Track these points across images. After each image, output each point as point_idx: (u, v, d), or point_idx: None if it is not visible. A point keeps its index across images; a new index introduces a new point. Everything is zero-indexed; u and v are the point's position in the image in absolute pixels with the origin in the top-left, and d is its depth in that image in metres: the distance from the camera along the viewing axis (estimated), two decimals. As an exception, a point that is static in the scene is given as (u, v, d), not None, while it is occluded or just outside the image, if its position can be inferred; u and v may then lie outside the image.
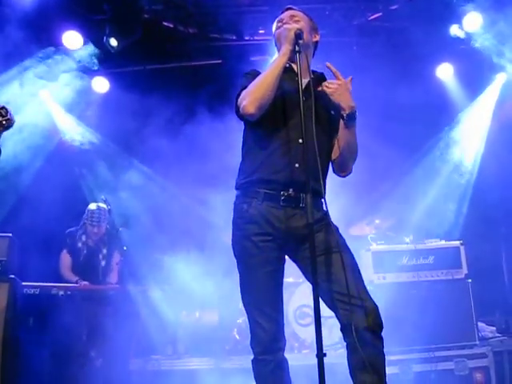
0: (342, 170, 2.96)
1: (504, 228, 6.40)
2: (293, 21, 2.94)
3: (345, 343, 2.66)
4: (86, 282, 5.34)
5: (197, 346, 5.65)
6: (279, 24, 3.00)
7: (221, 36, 7.07)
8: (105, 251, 5.80)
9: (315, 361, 2.41)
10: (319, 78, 2.97)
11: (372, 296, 2.69)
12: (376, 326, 2.58)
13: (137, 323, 5.24)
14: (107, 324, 4.96)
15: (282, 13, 3.07)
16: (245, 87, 2.80)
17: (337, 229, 2.77)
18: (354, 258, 2.73)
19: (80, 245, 5.73)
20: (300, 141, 2.71)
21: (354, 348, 2.55)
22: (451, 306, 5.12)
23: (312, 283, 2.52)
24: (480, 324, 5.42)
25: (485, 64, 6.77)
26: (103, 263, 5.77)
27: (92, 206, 5.86)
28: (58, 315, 4.73)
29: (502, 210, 6.35)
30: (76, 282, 5.35)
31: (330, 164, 2.97)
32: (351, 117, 2.76)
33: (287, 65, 2.87)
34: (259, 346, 2.75)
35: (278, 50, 2.91)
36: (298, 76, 2.71)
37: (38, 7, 5.77)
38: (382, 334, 2.61)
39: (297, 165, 2.73)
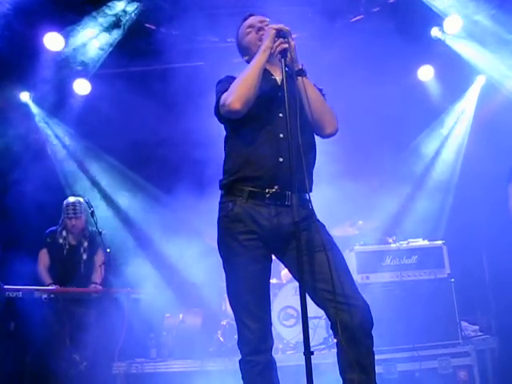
0: (322, 127, 2.86)
1: (485, 227, 6.46)
2: (265, 24, 2.99)
3: (330, 343, 2.67)
4: (56, 287, 5.28)
5: (180, 349, 5.63)
6: (249, 30, 3.06)
7: (203, 38, 7.06)
8: (86, 244, 5.71)
9: (300, 362, 2.42)
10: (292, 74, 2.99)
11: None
12: (366, 324, 2.58)
13: (120, 326, 5.20)
14: (91, 327, 4.92)
15: (245, 20, 3.13)
16: (225, 90, 2.80)
17: (323, 226, 2.77)
18: (342, 256, 2.72)
19: (61, 241, 5.64)
20: (281, 135, 2.74)
21: (343, 346, 2.53)
22: (434, 306, 5.15)
23: (299, 281, 2.52)
24: (463, 323, 5.47)
25: (465, 66, 6.84)
26: (84, 256, 5.68)
27: (69, 199, 5.79)
28: (41, 319, 4.68)
29: (483, 209, 6.41)
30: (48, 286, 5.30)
31: (315, 137, 2.95)
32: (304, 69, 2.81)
33: None
34: (247, 347, 2.74)
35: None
36: (277, 74, 2.90)
37: (18, 8, 5.72)
38: (370, 332, 2.62)
39: (280, 159, 2.72)
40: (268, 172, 2.73)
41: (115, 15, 6.44)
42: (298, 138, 2.56)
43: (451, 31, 6.65)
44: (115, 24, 6.52)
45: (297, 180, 2.53)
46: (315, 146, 2.96)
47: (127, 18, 6.51)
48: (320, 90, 3.00)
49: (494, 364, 5.22)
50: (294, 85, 2.74)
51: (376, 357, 2.62)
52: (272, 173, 2.72)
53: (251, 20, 3.08)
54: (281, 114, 2.76)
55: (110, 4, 6.34)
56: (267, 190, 2.73)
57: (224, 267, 2.85)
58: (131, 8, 6.46)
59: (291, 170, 2.53)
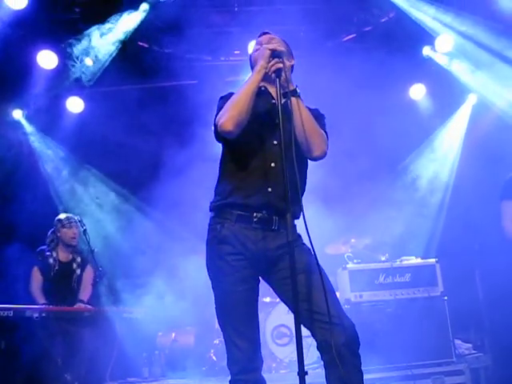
0: (310, 150, 2.80)
1: (478, 245, 6.47)
2: (271, 43, 2.96)
3: (322, 362, 2.65)
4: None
5: (173, 368, 5.59)
6: (257, 47, 3.01)
7: (196, 56, 7.10)
8: (79, 260, 5.67)
9: (293, 381, 2.40)
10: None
11: (349, 314, 2.70)
12: (353, 343, 2.58)
13: (113, 345, 5.16)
14: (83, 346, 4.87)
15: (259, 37, 3.09)
16: (222, 108, 2.81)
17: (309, 250, 2.77)
18: (327, 278, 2.72)
19: (51, 261, 5.58)
20: (272, 165, 2.74)
21: (331, 365, 2.53)
22: (428, 324, 5.14)
23: (291, 302, 2.51)
24: (456, 341, 5.45)
25: (456, 85, 6.90)
26: (78, 271, 5.64)
27: (60, 215, 5.76)
28: (33, 338, 4.63)
29: (475, 227, 6.42)
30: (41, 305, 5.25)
31: (308, 164, 2.94)
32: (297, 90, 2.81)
33: (262, 88, 2.89)
34: (236, 366, 2.72)
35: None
36: (274, 98, 2.83)
37: (12, 27, 5.74)
38: (360, 351, 2.61)
39: (269, 189, 2.73)
40: (257, 201, 2.74)
41: (107, 34, 6.47)
42: (294, 168, 2.53)
43: (442, 50, 6.73)
44: (108, 43, 6.55)
45: (285, 206, 2.53)
46: (306, 174, 2.96)
47: (120, 36, 6.54)
48: (322, 116, 3.02)
49: (488, 382, 5.20)
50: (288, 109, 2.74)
51: (370, 376, 2.62)
52: (261, 201, 2.74)
53: (262, 38, 3.06)
54: (275, 142, 2.76)
55: (102, 23, 6.37)
56: (255, 214, 2.74)
57: (213, 287, 2.84)
58: (123, 27, 6.49)
59: (286, 199, 2.52)
